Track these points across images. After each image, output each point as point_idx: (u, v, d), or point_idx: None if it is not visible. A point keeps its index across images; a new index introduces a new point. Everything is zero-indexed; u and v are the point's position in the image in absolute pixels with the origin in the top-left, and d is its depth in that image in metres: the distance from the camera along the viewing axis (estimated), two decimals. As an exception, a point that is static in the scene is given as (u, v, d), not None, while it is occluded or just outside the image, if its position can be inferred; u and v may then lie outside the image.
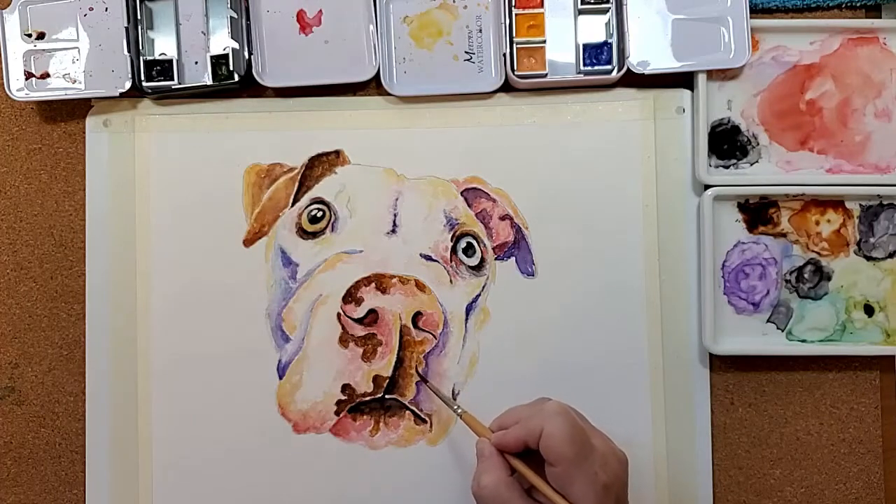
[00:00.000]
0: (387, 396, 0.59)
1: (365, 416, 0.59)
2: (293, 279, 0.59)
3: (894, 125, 0.59)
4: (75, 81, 0.59)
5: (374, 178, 0.60)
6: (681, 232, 0.59)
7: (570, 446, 0.47)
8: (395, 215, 0.60)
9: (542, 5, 0.58)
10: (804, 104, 0.59)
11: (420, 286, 0.59)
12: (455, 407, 0.55)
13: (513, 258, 0.60)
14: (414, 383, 0.59)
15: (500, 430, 0.51)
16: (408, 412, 0.59)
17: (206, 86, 0.59)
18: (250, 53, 0.59)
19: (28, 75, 0.59)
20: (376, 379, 0.59)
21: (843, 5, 0.60)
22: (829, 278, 0.59)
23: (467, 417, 0.54)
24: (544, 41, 0.58)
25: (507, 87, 0.60)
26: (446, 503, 0.59)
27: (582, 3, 0.58)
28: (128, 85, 0.58)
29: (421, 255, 0.59)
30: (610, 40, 0.58)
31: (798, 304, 0.59)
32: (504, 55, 0.58)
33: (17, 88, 0.59)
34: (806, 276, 0.59)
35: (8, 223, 0.62)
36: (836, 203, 0.59)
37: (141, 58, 0.59)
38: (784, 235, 0.59)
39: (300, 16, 0.59)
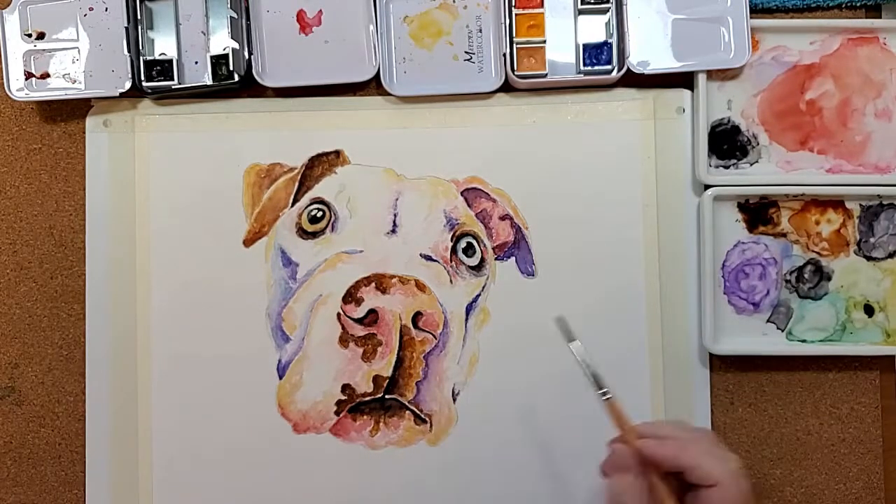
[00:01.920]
0: (387, 396, 0.59)
1: (365, 416, 0.59)
2: (293, 279, 0.59)
3: (894, 125, 0.59)
4: (75, 81, 0.59)
5: (374, 178, 0.60)
6: (681, 232, 0.59)
7: None
8: (395, 215, 0.60)
9: (542, 5, 0.58)
10: (804, 104, 0.59)
11: (420, 286, 0.59)
12: (602, 391, 0.48)
13: (513, 258, 0.60)
14: (414, 383, 0.59)
15: (652, 440, 0.46)
16: (408, 412, 0.59)
17: (206, 86, 0.59)
18: (250, 53, 0.59)
19: (28, 75, 0.59)
20: (376, 379, 0.59)
21: (843, 5, 0.60)
22: (829, 278, 0.59)
23: (613, 407, 0.47)
24: (544, 41, 0.58)
25: (507, 87, 0.60)
26: (446, 503, 0.59)
27: (582, 3, 0.58)
28: (128, 85, 0.58)
29: (421, 255, 0.59)
30: (610, 40, 0.58)
31: (798, 304, 0.59)
32: (504, 55, 0.58)
33: (17, 88, 0.59)
34: (806, 276, 0.59)
35: (8, 223, 0.62)
36: (836, 203, 0.59)
37: (141, 58, 0.59)
38: (784, 235, 0.59)
39: (300, 16, 0.59)
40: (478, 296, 0.59)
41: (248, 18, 0.59)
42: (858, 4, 0.60)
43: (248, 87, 0.60)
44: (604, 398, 0.48)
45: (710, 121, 0.59)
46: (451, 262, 0.59)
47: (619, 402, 0.47)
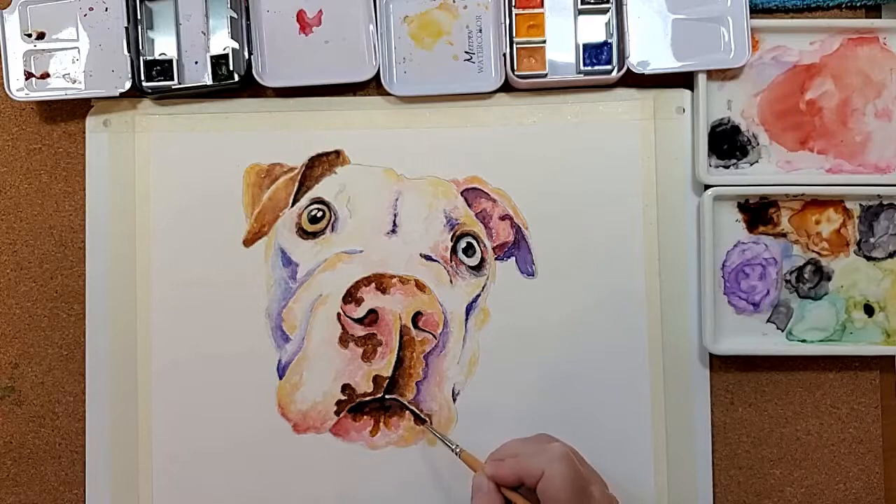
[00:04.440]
0: (387, 396, 0.59)
1: (365, 416, 0.59)
2: (293, 279, 0.60)
3: (894, 125, 0.59)
4: (75, 81, 0.59)
5: (374, 178, 0.60)
6: (681, 232, 0.59)
7: (569, 493, 0.47)
8: (395, 215, 0.60)
9: (542, 5, 0.58)
10: (804, 104, 0.59)
11: (420, 286, 0.59)
12: (453, 446, 0.54)
13: (513, 258, 0.60)
14: (414, 383, 0.59)
15: (492, 462, 0.51)
16: (408, 412, 0.59)
17: (206, 86, 0.59)
18: (250, 53, 0.59)
19: (28, 75, 0.59)
20: (376, 379, 0.59)
21: (843, 5, 0.60)
22: (829, 278, 0.59)
23: (465, 456, 0.54)
24: (544, 41, 0.58)
25: (507, 87, 0.60)
26: (446, 503, 0.59)
27: (582, 3, 0.58)
28: (128, 85, 0.58)
29: (421, 255, 0.59)
30: (610, 40, 0.58)
31: (798, 304, 0.59)
32: (504, 55, 0.58)
33: (17, 88, 0.59)
34: (806, 276, 0.59)
35: (8, 223, 0.62)
36: (836, 203, 0.59)
37: (141, 58, 0.59)
38: (784, 235, 0.59)
39: (300, 16, 0.59)
40: (478, 296, 0.59)
41: (248, 18, 0.59)
42: (858, 4, 0.60)
43: (248, 87, 0.60)
44: (456, 452, 0.54)
45: (710, 121, 0.59)
46: (451, 262, 0.59)
47: (467, 451, 0.54)
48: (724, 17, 0.58)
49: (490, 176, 0.60)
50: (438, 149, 0.60)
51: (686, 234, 0.59)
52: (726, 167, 0.59)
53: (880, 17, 0.61)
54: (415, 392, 0.59)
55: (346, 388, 0.59)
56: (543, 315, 0.59)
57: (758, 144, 0.59)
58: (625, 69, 0.58)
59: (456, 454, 0.54)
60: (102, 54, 0.58)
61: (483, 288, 0.60)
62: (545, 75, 0.58)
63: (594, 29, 0.59)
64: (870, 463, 0.60)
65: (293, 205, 0.60)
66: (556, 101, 0.60)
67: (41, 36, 0.59)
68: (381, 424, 0.59)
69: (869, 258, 0.59)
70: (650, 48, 0.58)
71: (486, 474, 0.50)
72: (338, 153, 0.60)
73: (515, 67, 0.58)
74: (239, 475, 0.59)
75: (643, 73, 0.58)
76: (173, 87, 0.59)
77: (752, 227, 0.59)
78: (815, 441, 0.60)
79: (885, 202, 0.59)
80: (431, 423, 0.59)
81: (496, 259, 0.60)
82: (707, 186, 0.58)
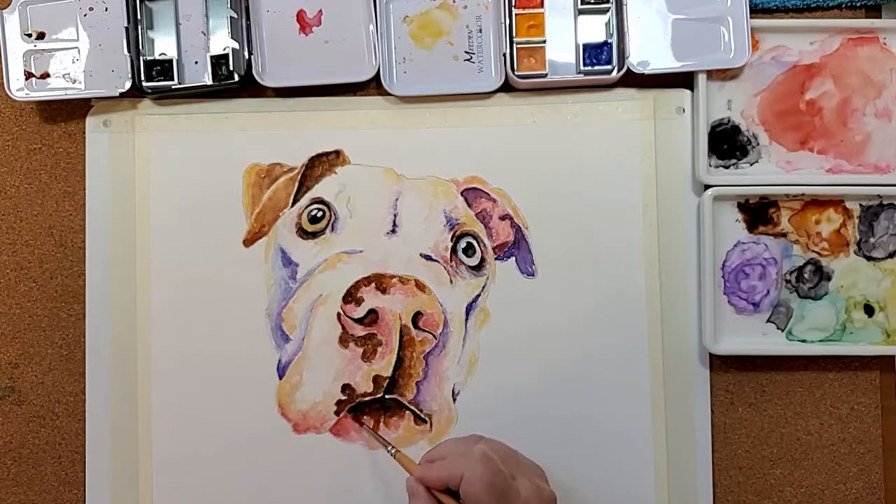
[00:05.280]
0: (387, 396, 0.59)
1: (365, 416, 0.59)
2: (293, 279, 0.59)
3: (894, 125, 0.59)
4: (75, 81, 0.59)
5: (374, 178, 0.60)
6: (681, 232, 0.59)
7: (488, 494, 0.47)
8: (395, 215, 0.60)
9: (542, 5, 0.58)
10: (804, 104, 0.59)
11: (420, 286, 0.59)
12: (389, 447, 0.55)
13: (513, 258, 0.60)
14: (414, 383, 0.59)
15: (421, 466, 0.51)
16: (408, 412, 0.59)
17: (206, 86, 0.59)
18: (250, 53, 0.59)
19: (28, 75, 0.59)
20: (376, 379, 0.59)
21: (843, 5, 0.60)
22: (829, 278, 0.59)
23: (400, 457, 0.54)
24: (544, 41, 0.58)
25: (507, 87, 0.60)
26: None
27: (582, 3, 0.58)
28: (128, 85, 0.58)
29: (421, 255, 0.59)
30: (610, 40, 0.58)
31: (798, 304, 0.59)
32: (504, 55, 0.58)
33: (17, 88, 0.59)
34: (806, 276, 0.59)
35: (8, 223, 0.62)
36: (836, 203, 0.59)
37: (141, 58, 0.59)
38: (784, 235, 0.59)
39: (300, 16, 0.59)
40: (478, 296, 0.59)
41: (248, 18, 0.59)
42: (858, 4, 0.60)
43: (248, 87, 0.60)
44: (391, 452, 0.54)
45: (710, 121, 0.59)
46: (451, 261, 0.59)
47: (403, 452, 0.54)
48: (724, 17, 0.58)
49: (490, 176, 0.60)
50: (438, 149, 0.60)
51: (686, 234, 0.59)
52: (726, 167, 0.59)
53: (880, 17, 0.61)
54: (415, 392, 0.59)
55: (346, 388, 0.59)
56: (543, 315, 0.59)
57: (758, 144, 0.59)
58: (625, 69, 0.58)
59: (392, 455, 0.54)
60: (102, 54, 0.58)
61: (483, 288, 0.60)
62: (545, 75, 0.58)
63: (594, 29, 0.59)
64: (870, 463, 0.60)
65: (293, 205, 0.60)
66: (556, 101, 0.60)
67: (41, 36, 0.59)
68: (381, 424, 0.59)
69: (869, 258, 0.59)
70: (650, 48, 0.58)
71: (415, 477, 0.50)
72: (338, 153, 0.60)
73: (515, 67, 0.58)
74: (239, 475, 0.59)
75: (643, 73, 0.58)
76: (173, 87, 0.59)
77: (752, 227, 0.59)
78: (815, 441, 0.60)
79: (885, 202, 0.59)
80: (431, 423, 0.59)
81: (496, 259, 0.60)
82: (707, 186, 0.58)
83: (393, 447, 0.55)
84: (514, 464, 0.51)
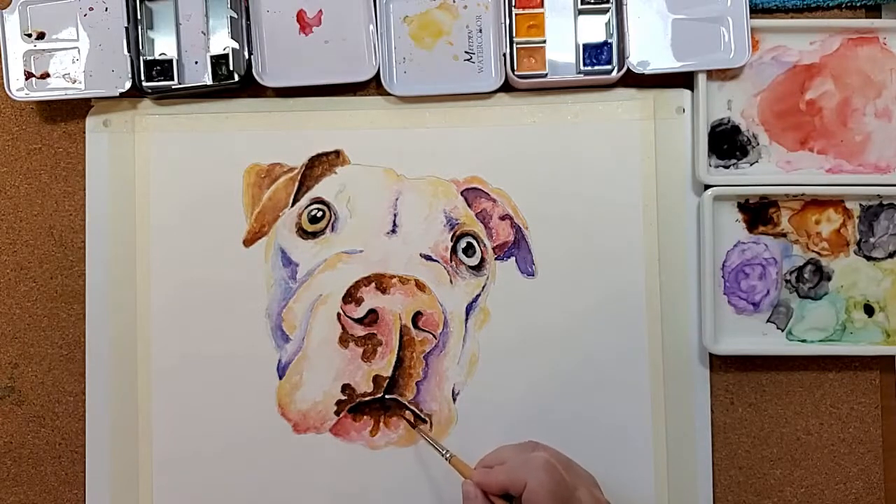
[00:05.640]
0: (387, 396, 0.59)
1: (365, 416, 0.59)
2: (293, 279, 0.59)
3: (894, 125, 0.59)
4: (75, 81, 0.59)
5: (374, 178, 0.60)
6: (681, 232, 0.59)
7: (551, 503, 0.47)
8: (395, 215, 0.60)
9: (542, 5, 0.58)
10: (804, 104, 0.59)
11: (420, 286, 0.59)
12: (444, 452, 0.55)
13: (513, 258, 0.60)
14: (414, 383, 0.59)
15: (479, 470, 0.51)
16: (408, 412, 0.59)
17: (206, 86, 0.59)
18: (250, 53, 0.59)
19: (28, 75, 0.59)
20: (376, 379, 0.59)
21: (843, 5, 0.60)
22: (829, 278, 0.59)
23: (455, 461, 0.54)
24: (544, 41, 0.58)
25: (507, 87, 0.60)
26: (446, 503, 0.59)
27: (582, 3, 0.58)
28: (128, 85, 0.58)
29: (421, 255, 0.59)
30: (610, 40, 0.58)
31: (798, 304, 0.59)
32: (504, 55, 0.58)
33: (17, 88, 0.59)
34: (806, 276, 0.59)
35: (8, 223, 0.62)
36: (836, 203, 0.59)
37: (141, 58, 0.59)
38: (784, 235, 0.59)
39: (300, 16, 0.59)
40: (478, 296, 0.59)
41: (248, 18, 0.59)
42: (858, 4, 0.60)
43: (248, 87, 0.60)
44: (446, 457, 0.54)
45: (710, 121, 0.59)
46: (451, 261, 0.59)
47: (458, 456, 0.54)
48: (724, 17, 0.58)
49: (490, 176, 0.60)
50: (438, 149, 0.60)
51: (686, 234, 0.59)
52: (726, 167, 0.59)
53: (880, 17, 0.61)
54: (415, 392, 0.59)
55: (346, 388, 0.59)
56: (543, 315, 0.59)
57: (758, 144, 0.59)
58: (625, 69, 0.58)
59: (446, 459, 0.54)
60: (102, 54, 0.58)
61: (483, 288, 0.60)
62: (545, 75, 0.58)
63: (594, 29, 0.59)
64: (870, 463, 0.60)
65: (293, 205, 0.60)
66: (556, 101, 0.60)
67: (41, 36, 0.59)
68: (381, 424, 0.59)
69: (869, 258, 0.59)
70: (650, 48, 0.58)
71: (474, 482, 0.50)
72: (338, 153, 0.60)
73: (515, 67, 0.58)
74: (239, 475, 0.59)
75: (643, 73, 0.58)
76: (173, 87, 0.59)
77: (752, 227, 0.59)
78: (815, 441, 0.60)
79: (885, 202, 0.59)
80: (431, 423, 0.59)
81: (496, 259, 0.60)
82: (707, 186, 0.58)
83: (447, 451, 0.55)
84: (573, 473, 0.51)
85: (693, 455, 0.59)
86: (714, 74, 0.58)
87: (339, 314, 0.59)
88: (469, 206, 0.60)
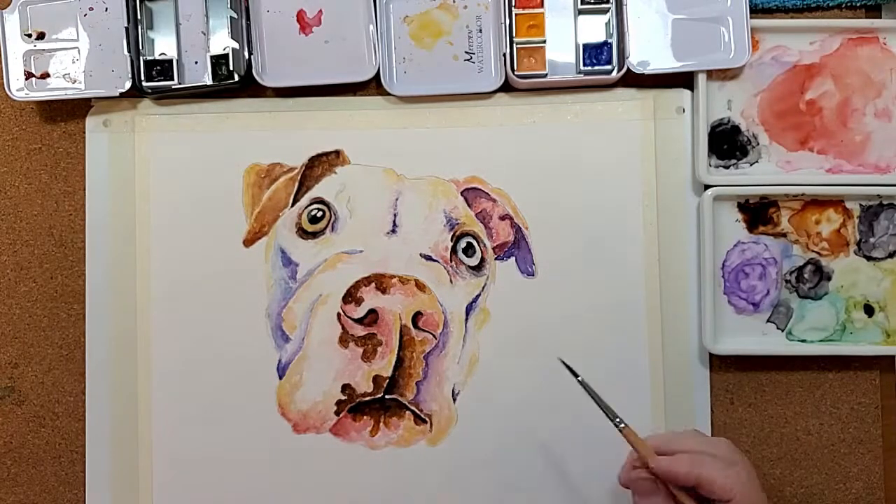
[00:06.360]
0: (387, 396, 0.59)
1: (365, 416, 0.59)
2: (293, 279, 0.59)
3: (894, 125, 0.59)
4: (75, 81, 0.59)
5: (374, 178, 0.60)
6: (681, 232, 0.59)
7: None
8: (395, 215, 0.60)
9: (542, 5, 0.58)
10: (804, 104, 0.59)
11: (420, 286, 0.59)
12: (617, 420, 0.51)
13: (513, 258, 0.60)
14: (414, 383, 0.59)
15: (665, 457, 0.49)
16: (408, 412, 0.59)
17: (206, 86, 0.59)
18: (250, 53, 0.59)
19: (28, 75, 0.59)
20: (376, 379, 0.59)
21: (843, 5, 0.60)
22: (829, 278, 0.59)
23: (628, 432, 0.51)
24: (544, 41, 0.58)
25: (507, 87, 0.60)
26: (446, 503, 0.59)
27: (582, 3, 0.58)
28: (128, 85, 0.58)
29: (421, 255, 0.59)
30: (610, 40, 0.58)
31: (798, 304, 0.59)
32: (504, 55, 0.58)
33: (17, 88, 0.59)
34: (806, 276, 0.59)
35: (8, 223, 0.62)
36: (836, 203, 0.59)
37: (141, 58, 0.59)
38: (784, 235, 0.59)
39: (300, 16, 0.59)
40: (478, 296, 0.59)
41: (248, 18, 0.59)
42: (858, 4, 0.60)
43: (248, 87, 0.60)
44: (619, 427, 0.51)
45: (710, 121, 0.59)
46: (451, 262, 0.59)
47: (632, 427, 0.50)
48: (724, 17, 0.58)
49: (490, 176, 0.60)
50: (438, 149, 0.60)
51: (686, 234, 0.59)
52: (726, 167, 0.59)
53: (880, 17, 0.61)
54: (415, 392, 0.59)
55: (346, 388, 0.59)
56: (543, 315, 0.59)
57: (758, 144, 0.59)
58: (625, 69, 0.58)
59: (619, 429, 0.51)
60: (102, 54, 0.58)
61: (483, 288, 0.60)
62: (545, 75, 0.58)
63: (594, 29, 0.59)
64: (870, 463, 0.60)
65: (293, 205, 0.60)
66: (556, 101, 0.60)
67: (41, 36, 0.59)
68: (381, 424, 0.59)
69: (869, 258, 0.59)
70: (650, 48, 0.58)
71: (662, 469, 0.48)
72: (338, 153, 0.60)
73: (515, 67, 0.58)
74: (239, 475, 0.59)
75: (643, 73, 0.58)
76: (173, 87, 0.59)
77: (752, 227, 0.59)
78: (815, 441, 0.60)
79: (885, 202, 0.59)
80: (431, 423, 0.59)
81: (496, 259, 0.60)
82: (707, 186, 0.58)
83: (621, 420, 0.51)
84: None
85: (693, 455, 0.59)
86: (714, 74, 0.58)
87: (339, 314, 0.59)
88: (469, 206, 0.60)
